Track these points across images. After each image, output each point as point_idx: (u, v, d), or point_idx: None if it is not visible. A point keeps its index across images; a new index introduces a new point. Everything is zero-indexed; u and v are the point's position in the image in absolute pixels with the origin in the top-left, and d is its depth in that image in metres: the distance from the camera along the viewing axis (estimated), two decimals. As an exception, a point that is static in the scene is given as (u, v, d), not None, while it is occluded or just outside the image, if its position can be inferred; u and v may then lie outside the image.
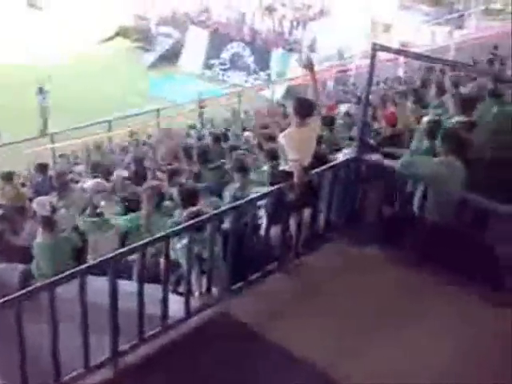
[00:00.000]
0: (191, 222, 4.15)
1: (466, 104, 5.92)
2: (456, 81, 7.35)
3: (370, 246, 5.09)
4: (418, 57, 9.18)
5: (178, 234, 4.17)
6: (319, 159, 5.08)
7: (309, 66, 4.84)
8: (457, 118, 5.78)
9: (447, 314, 4.30)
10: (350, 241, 5.14)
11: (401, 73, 16.78)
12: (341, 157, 5.77)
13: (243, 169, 5.67)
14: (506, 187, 4.94)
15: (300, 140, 4.55)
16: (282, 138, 4.62)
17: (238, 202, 4.39)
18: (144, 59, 24.35)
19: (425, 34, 25.15)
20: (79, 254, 5.49)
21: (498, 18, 26.90)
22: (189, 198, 4.88)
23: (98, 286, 3.75)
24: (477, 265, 4.45)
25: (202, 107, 15.35)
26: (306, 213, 5.06)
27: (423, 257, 4.72)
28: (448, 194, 4.86)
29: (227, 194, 5.56)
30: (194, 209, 4.61)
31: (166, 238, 3.98)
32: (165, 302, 4.03)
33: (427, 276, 4.61)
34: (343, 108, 8.36)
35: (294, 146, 4.51)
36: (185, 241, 4.18)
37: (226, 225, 4.57)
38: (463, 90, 7.13)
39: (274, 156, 5.48)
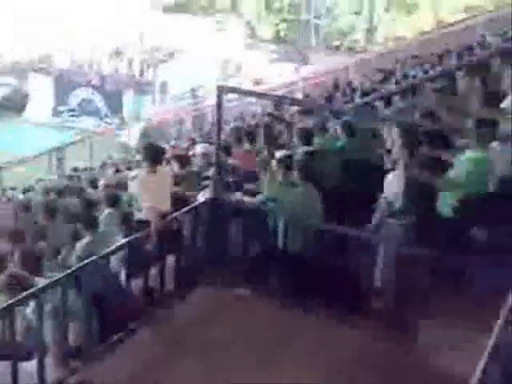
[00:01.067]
0: (35, 288, 3.74)
1: (304, 136, 6.10)
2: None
3: (238, 286, 4.99)
4: (261, 96, 9.54)
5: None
6: (181, 201, 4.96)
7: None
8: (301, 149, 5.92)
9: (315, 342, 4.34)
10: (219, 283, 5.00)
11: (255, 108, 17.20)
12: (200, 197, 5.65)
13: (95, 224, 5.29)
14: (358, 213, 5.12)
15: (153, 186, 4.39)
16: (133, 185, 4.43)
17: (90, 259, 4.06)
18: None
19: (274, 71, 26.36)
20: None
21: (336, 54, 29.00)
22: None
23: None
24: (338, 291, 4.56)
25: (60, 159, 14.68)
26: (170, 260, 4.85)
27: (290, 289, 4.75)
28: (308, 224, 4.91)
29: (77, 248, 5.16)
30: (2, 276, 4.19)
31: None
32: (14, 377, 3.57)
33: (295, 308, 4.61)
34: (199, 148, 8.27)
35: (148, 193, 4.34)
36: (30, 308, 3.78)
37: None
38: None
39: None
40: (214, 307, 4.80)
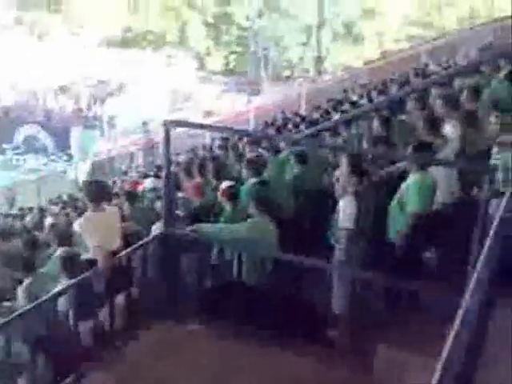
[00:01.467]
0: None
1: (253, 166, 6.11)
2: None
3: (193, 321, 4.87)
4: (208, 128, 9.58)
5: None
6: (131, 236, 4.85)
7: None
8: (251, 180, 5.92)
9: (272, 374, 4.21)
10: (173, 320, 4.88)
11: (208, 140, 17.21)
12: (153, 231, 5.57)
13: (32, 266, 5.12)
14: (313, 241, 5.13)
15: (99, 224, 4.29)
16: (77, 226, 4.32)
17: (36, 302, 3.91)
18: None
19: (226, 102, 26.63)
20: None
21: (286, 84, 29.53)
22: None
23: None
24: (294, 321, 4.51)
25: (8, 198, 14.31)
26: (120, 299, 4.72)
27: (246, 322, 4.63)
28: (263, 255, 4.87)
29: (19, 292, 4.98)
30: None
31: None
32: None
33: (251, 341, 4.49)
34: (149, 182, 8.19)
35: (94, 232, 4.24)
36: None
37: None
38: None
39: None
40: (167, 344, 4.66)
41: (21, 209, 13.26)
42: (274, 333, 4.49)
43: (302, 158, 6.36)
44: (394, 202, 4.84)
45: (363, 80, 17.37)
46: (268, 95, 27.03)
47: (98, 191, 4.38)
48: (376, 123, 6.60)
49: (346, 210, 4.78)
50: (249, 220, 4.98)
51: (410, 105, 6.91)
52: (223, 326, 4.72)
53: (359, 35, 33.56)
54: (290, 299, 4.81)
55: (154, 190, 7.11)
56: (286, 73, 33.14)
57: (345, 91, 15.90)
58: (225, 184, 5.51)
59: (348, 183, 4.86)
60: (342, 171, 4.99)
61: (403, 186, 4.83)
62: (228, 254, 5.09)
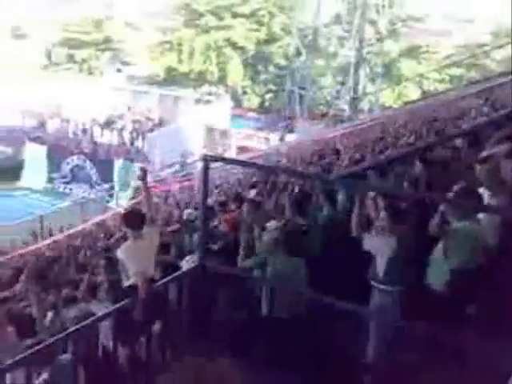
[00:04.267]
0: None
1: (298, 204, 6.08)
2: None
3: (224, 355, 4.87)
4: (245, 164, 9.57)
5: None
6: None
7: (141, 177, 4.85)
8: (293, 220, 5.91)
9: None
10: (204, 353, 4.88)
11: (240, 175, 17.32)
12: (184, 263, 5.63)
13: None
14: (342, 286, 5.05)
15: (138, 252, 4.41)
16: (120, 253, 4.44)
17: (76, 327, 4.01)
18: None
19: (259, 139, 26.93)
20: None
21: (321, 122, 29.58)
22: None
23: None
24: (325, 364, 4.45)
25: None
26: (156, 328, 4.78)
27: (275, 361, 4.61)
28: (293, 291, 4.87)
29: (71, 312, 5.13)
30: None
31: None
32: None
33: (280, 380, 4.49)
34: (187, 214, 8.33)
35: (134, 259, 4.35)
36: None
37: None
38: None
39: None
40: (198, 378, 4.69)
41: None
42: (305, 375, 4.42)
43: (331, 198, 6.23)
44: (437, 248, 4.58)
45: (402, 121, 17.15)
46: (302, 133, 27.19)
47: (137, 219, 4.53)
48: (418, 165, 6.42)
49: (383, 250, 4.63)
50: (283, 259, 4.98)
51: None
52: (255, 362, 4.71)
53: (399, 76, 33.51)
54: (322, 340, 4.76)
55: (191, 221, 7.22)
56: (321, 111, 33.11)
57: (383, 131, 15.74)
58: (271, 225, 5.50)
59: (385, 224, 4.76)
60: (379, 212, 4.91)
61: (446, 232, 4.54)
62: (261, 290, 5.08)
